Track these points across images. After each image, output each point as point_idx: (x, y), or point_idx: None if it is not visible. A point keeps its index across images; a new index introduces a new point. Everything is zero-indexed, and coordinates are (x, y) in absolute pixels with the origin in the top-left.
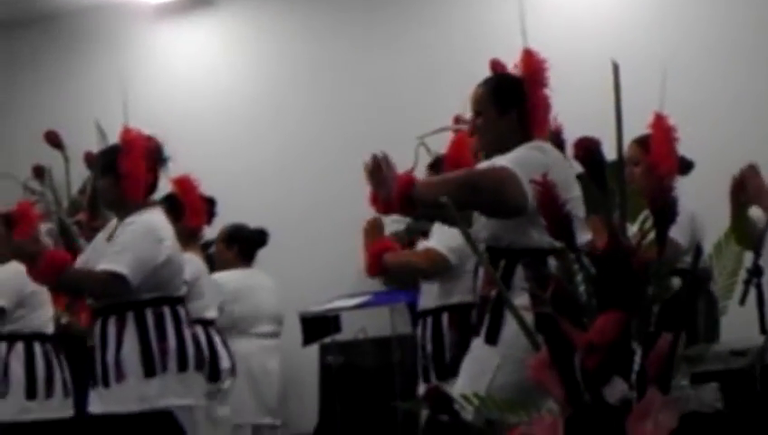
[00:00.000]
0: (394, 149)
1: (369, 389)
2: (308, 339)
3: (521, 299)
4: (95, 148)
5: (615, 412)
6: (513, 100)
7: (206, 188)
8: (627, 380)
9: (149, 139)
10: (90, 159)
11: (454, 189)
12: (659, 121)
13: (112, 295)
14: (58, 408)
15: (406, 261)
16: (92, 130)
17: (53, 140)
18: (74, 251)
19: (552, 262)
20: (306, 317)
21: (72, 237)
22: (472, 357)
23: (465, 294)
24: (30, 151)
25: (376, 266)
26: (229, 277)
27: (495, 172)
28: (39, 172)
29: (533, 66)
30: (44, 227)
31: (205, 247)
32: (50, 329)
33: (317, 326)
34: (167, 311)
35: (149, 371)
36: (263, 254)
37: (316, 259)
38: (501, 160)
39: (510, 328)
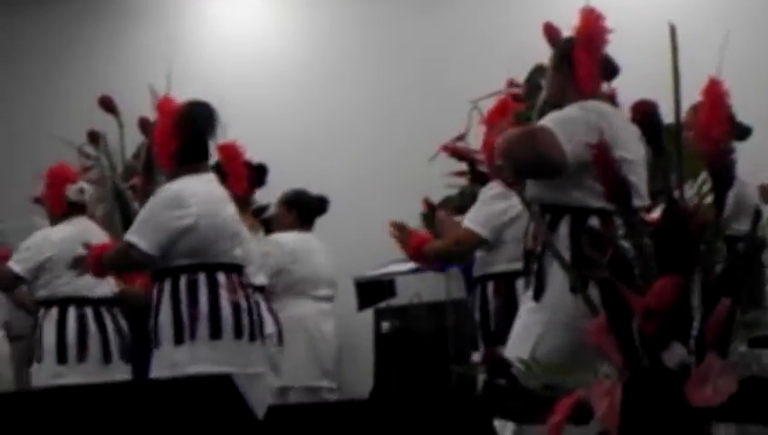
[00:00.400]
0: (445, 113)
1: (424, 353)
2: (363, 304)
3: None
4: (149, 113)
5: (673, 377)
6: (566, 57)
7: (257, 154)
8: (685, 344)
9: (190, 105)
10: (144, 124)
11: (518, 142)
12: (713, 86)
13: (133, 265)
14: (93, 372)
15: (441, 250)
16: (146, 96)
17: (108, 105)
18: (129, 215)
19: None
20: (361, 282)
21: (127, 202)
22: (519, 322)
23: (509, 263)
24: (84, 117)
25: (422, 261)
26: (288, 238)
27: (531, 131)
28: (94, 137)
29: (587, 24)
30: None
31: (258, 212)
32: (94, 292)
33: (372, 291)
34: (201, 277)
35: (179, 337)
36: (318, 219)
37: (370, 224)
38: (542, 121)
39: (553, 292)
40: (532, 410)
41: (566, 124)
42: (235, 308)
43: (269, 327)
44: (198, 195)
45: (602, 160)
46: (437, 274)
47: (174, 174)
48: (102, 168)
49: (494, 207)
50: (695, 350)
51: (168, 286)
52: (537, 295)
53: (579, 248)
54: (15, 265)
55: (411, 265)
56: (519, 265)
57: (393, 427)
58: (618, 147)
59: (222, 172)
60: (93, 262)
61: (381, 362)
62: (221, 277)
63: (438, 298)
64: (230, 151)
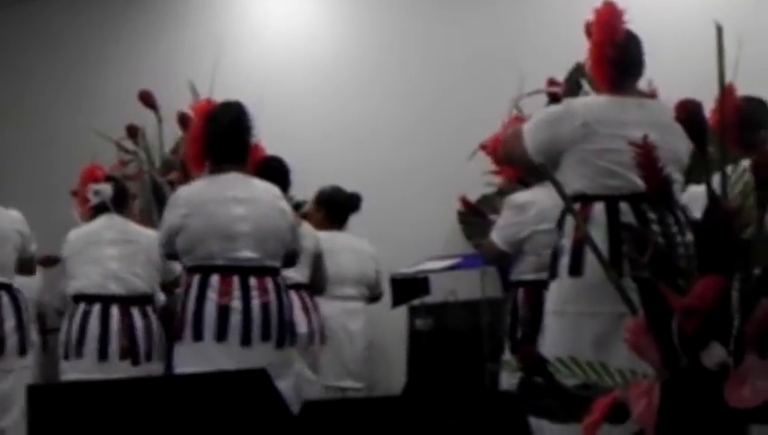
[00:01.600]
0: (485, 111)
1: (458, 352)
2: (397, 301)
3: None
4: (188, 108)
5: (712, 377)
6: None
7: (297, 151)
8: (725, 345)
9: (217, 106)
10: (182, 119)
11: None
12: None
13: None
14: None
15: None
16: (185, 91)
17: (147, 99)
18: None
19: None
20: (396, 279)
21: (164, 196)
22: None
23: (536, 273)
24: (123, 111)
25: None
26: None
27: (510, 133)
28: (132, 132)
29: (601, 18)
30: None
31: (294, 209)
32: (111, 288)
33: (407, 288)
34: (195, 279)
35: (174, 337)
36: (354, 216)
37: (406, 221)
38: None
39: (553, 282)
40: (568, 409)
41: (538, 121)
42: (222, 311)
43: (301, 327)
44: (193, 195)
45: (645, 160)
46: (473, 272)
47: (199, 175)
48: (140, 162)
49: (514, 219)
50: (734, 350)
51: (183, 286)
52: (546, 285)
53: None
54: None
55: (447, 262)
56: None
57: (426, 424)
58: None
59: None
60: None
61: (415, 360)
62: (213, 279)
63: (473, 296)
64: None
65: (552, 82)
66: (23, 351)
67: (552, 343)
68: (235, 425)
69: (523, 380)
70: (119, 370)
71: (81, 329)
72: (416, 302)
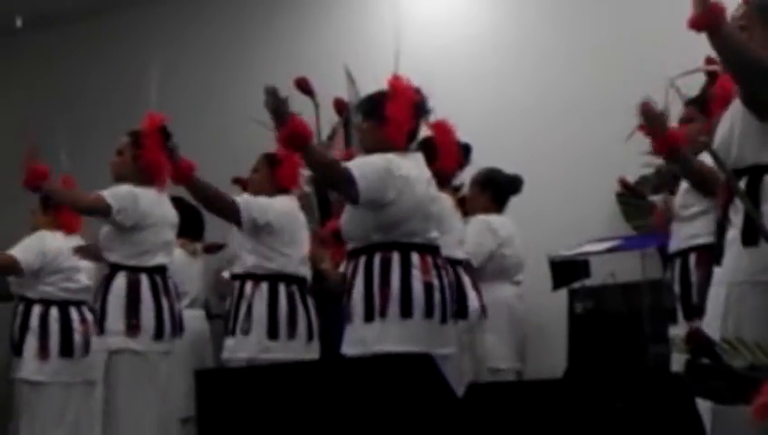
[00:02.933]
0: (643, 91)
1: (619, 334)
2: (557, 283)
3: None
4: (344, 94)
5: None
6: None
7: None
8: None
9: (416, 90)
10: (339, 106)
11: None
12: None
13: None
14: (299, 349)
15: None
16: (341, 77)
17: (304, 86)
18: (325, 196)
19: None
20: (556, 262)
21: None
22: (710, 294)
23: (711, 235)
24: None
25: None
26: (498, 222)
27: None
28: None
29: None
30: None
31: (455, 190)
32: (300, 271)
33: (566, 271)
34: (395, 256)
35: (369, 315)
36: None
37: (566, 203)
38: None
39: (730, 253)
40: (736, 391)
41: None
42: (427, 288)
43: (472, 302)
44: (405, 170)
45: None
46: (633, 253)
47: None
48: None
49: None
50: None
51: (362, 263)
52: (718, 260)
53: (756, 205)
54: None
55: (607, 244)
56: None
57: (588, 406)
58: None
59: (429, 149)
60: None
61: (575, 343)
62: (414, 257)
63: (634, 278)
64: (443, 129)
65: (709, 61)
66: (181, 334)
67: (739, 314)
68: (400, 408)
69: (689, 361)
70: (317, 350)
71: (290, 310)
72: (576, 284)
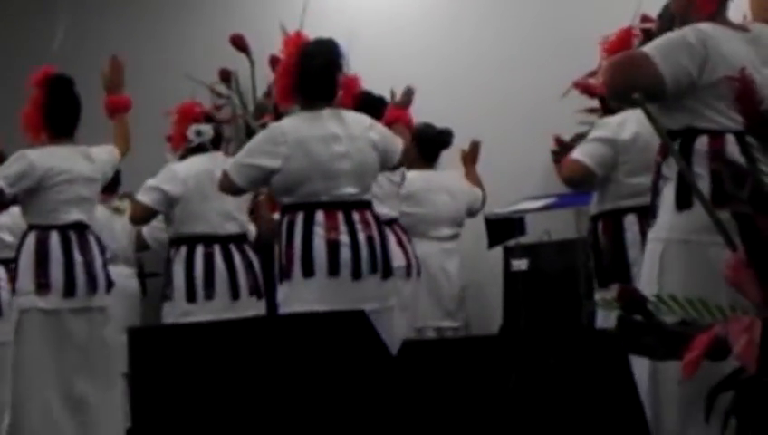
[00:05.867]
0: (578, 50)
1: (554, 291)
2: (493, 241)
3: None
4: (279, 50)
5: None
6: None
7: (385, 90)
8: None
9: (311, 43)
10: (275, 63)
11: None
12: None
13: (226, 192)
14: (221, 310)
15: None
16: (278, 34)
17: (239, 43)
18: None
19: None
20: (491, 219)
21: None
22: (645, 253)
23: (617, 200)
24: (215, 55)
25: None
26: (409, 179)
27: (627, 57)
28: (225, 76)
29: None
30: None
31: None
32: (223, 230)
33: (502, 228)
34: (299, 217)
35: (280, 276)
36: (447, 156)
37: (501, 161)
38: (644, 47)
39: (665, 213)
40: (668, 347)
41: (665, 47)
42: (332, 246)
43: (397, 260)
44: (291, 133)
45: (743, 94)
46: (568, 211)
47: (289, 110)
48: (234, 106)
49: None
50: None
51: (279, 224)
52: (651, 221)
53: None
54: (143, 197)
55: (542, 202)
56: (627, 203)
57: (524, 363)
58: (721, 69)
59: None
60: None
61: (511, 300)
62: (319, 215)
63: (569, 236)
64: (344, 84)
65: (644, 18)
66: (109, 287)
67: (674, 272)
68: (334, 365)
69: (621, 318)
70: (248, 306)
71: (207, 271)
72: (511, 242)
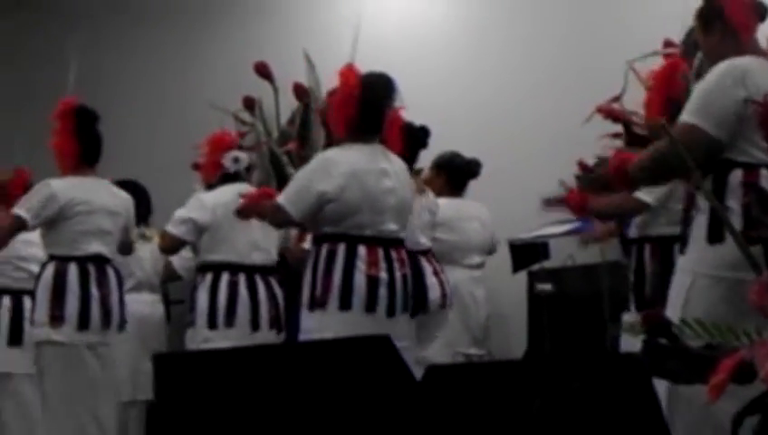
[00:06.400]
0: (601, 74)
1: (578, 316)
2: (517, 266)
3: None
4: (304, 79)
5: None
6: (714, 12)
7: (420, 118)
8: None
9: (371, 76)
10: (299, 90)
11: (648, 172)
12: None
13: (280, 225)
14: (240, 338)
15: (609, 203)
16: (301, 62)
17: (263, 71)
18: (284, 180)
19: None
20: (515, 244)
21: (282, 167)
22: (673, 283)
23: (667, 226)
24: (239, 83)
25: (583, 213)
26: (440, 207)
27: (677, 134)
28: (249, 103)
29: None
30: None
31: (416, 174)
32: (249, 259)
33: (526, 253)
34: (341, 248)
35: (311, 304)
36: (472, 182)
37: (524, 186)
38: (685, 112)
39: (695, 244)
40: (692, 370)
41: (706, 106)
42: (371, 282)
43: (434, 291)
44: (347, 164)
45: (767, 119)
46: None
47: (342, 142)
48: (258, 133)
49: None
50: None
51: (312, 254)
52: (682, 249)
53: (721, 200)
54: (173, 229)
55: (566, 227)
56: (677, 229)
57: (548, 387)
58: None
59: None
60: (251, 202)
61: (535, 325)
62: (361, 250)
63: (593, 260)
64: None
65: (668, 44)
66: (122, 326)
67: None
68: (359, 391)
69: (646, 341)
70: (267, 338)
71: (230, 299)
72: (535, 267)
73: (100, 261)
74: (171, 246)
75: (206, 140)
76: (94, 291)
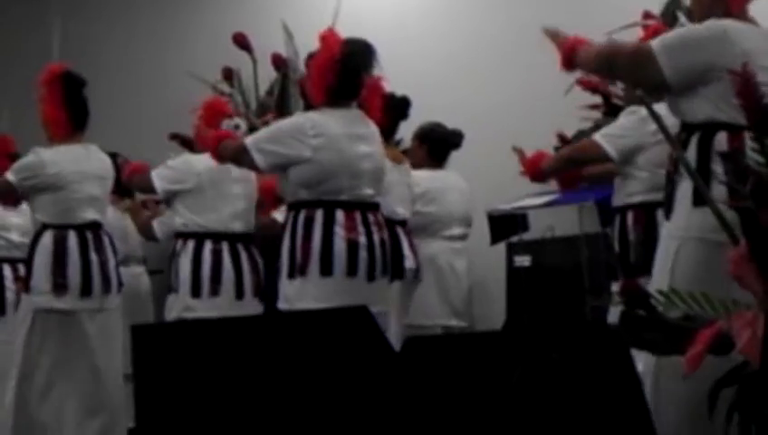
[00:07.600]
0: None
1: (557, 287)
2: (496, 238)
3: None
4: (282, 49)
5: None
6: None
7: (398, 88)
8: None
9: (350, 42)
10: (277, 61)
11: (595, 62)
12: None
13: (240, 165)
14: (225, 307)
15: (558, 156)
16: (279, 33)
17: (242, 41)
18: None
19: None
20: (494, 216)
21: None
22: (659, 248)
23: (647, 193)
24: (217, 53)
25: (537, 176)
26: (420, 178)
27: (632, 51)
28: (228, 74)
29: None
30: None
31: (395, 145)
32: (231, 228)
33: (505, 225)
34: (318, 213)
35: (291, 272)
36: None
37: (503, 158)
38: (658, 38)
39: (682, 208)
40: (671, 341)
41: (676, 43)
42: (351, 246)
43: (409, 262)
44: (324, 126)
45: (745, 88)
46: (570, 206)
47: (320, 106)
48: (236, 104)
49: (630, 130)
50: None
51: (290, 220)
52: (668, 214)
53: (706, 163)
54: (157, 180)
55: (545, 198)
56: (659, 196)
57: (527, 358)
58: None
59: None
60: (212, 140)
61: (514, 297)
62: (339, 214)
63: (572, 232)
64: (371, 85)
65: (647, 15)
66: (120, 288)
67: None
68: (337, 361)
69: (624, 312)
70: (251, 306)
71: (214, 267)
72: (514, 239)
73: (96, 228)
74: (148, 186)
75: (200, 106)
76: (93, 257)
